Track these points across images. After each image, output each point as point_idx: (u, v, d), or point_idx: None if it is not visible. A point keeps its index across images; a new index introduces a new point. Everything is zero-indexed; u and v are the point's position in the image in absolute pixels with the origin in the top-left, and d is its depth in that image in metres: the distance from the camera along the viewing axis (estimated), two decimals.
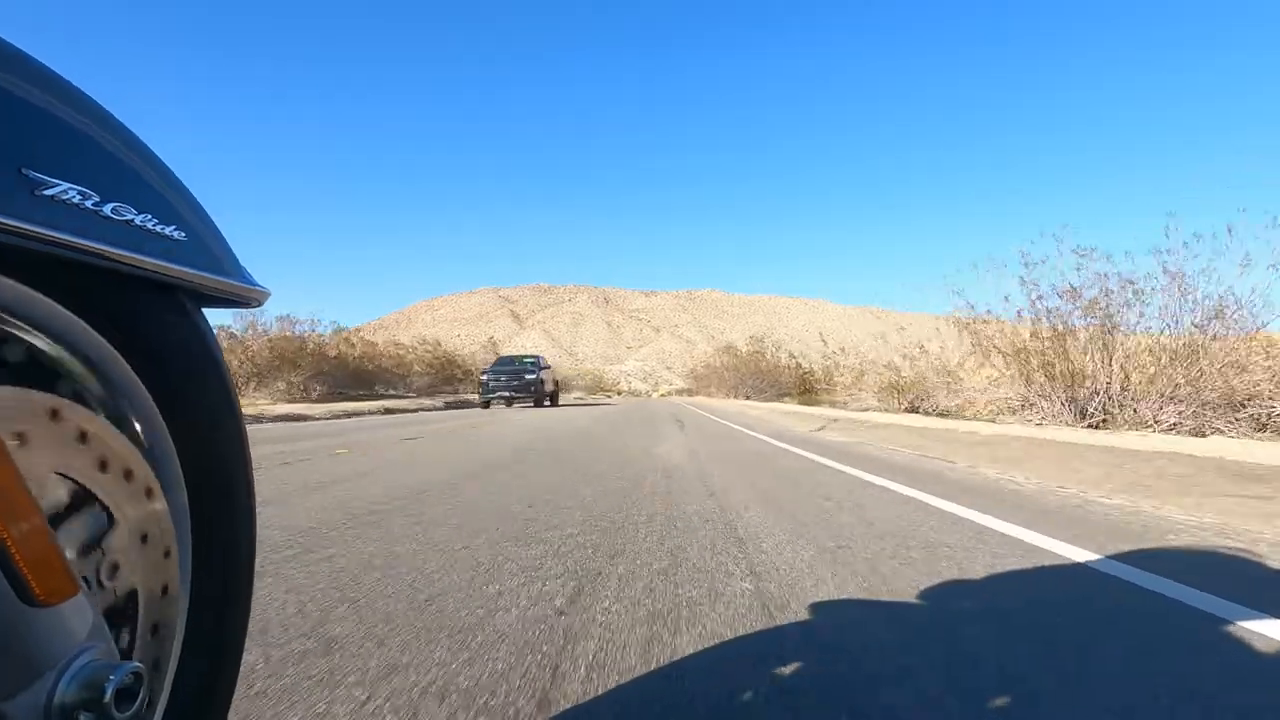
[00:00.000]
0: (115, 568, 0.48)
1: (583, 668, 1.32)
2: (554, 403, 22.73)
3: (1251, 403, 7.11)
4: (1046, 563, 2.21)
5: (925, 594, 1.84)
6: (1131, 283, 8.05)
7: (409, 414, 14.84)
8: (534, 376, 19.65)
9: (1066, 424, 8.17)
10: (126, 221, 0.47)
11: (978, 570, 2.09)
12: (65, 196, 0.43)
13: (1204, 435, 6.62)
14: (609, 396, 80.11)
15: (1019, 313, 9.35)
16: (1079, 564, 2.18)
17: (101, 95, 0.47)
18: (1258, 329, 7.21)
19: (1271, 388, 6.97)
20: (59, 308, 0.46)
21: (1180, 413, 7.27)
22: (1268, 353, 7.22)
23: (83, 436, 0.46)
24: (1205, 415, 7.21)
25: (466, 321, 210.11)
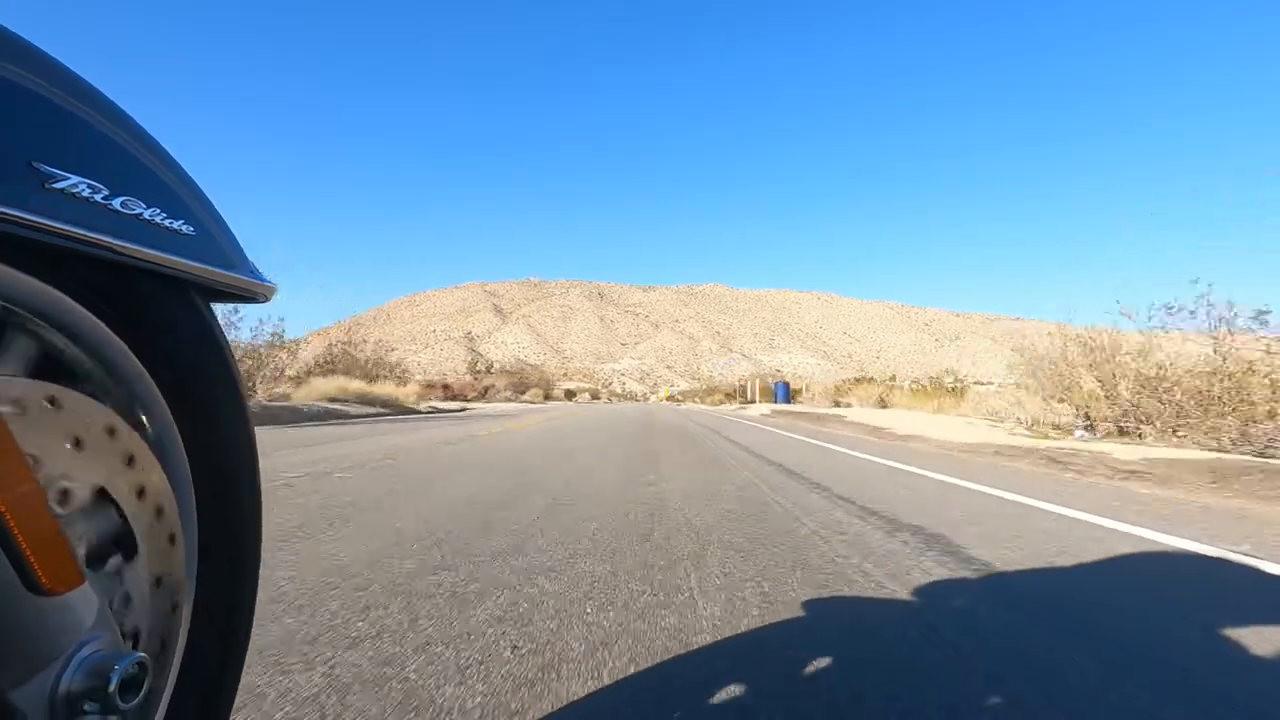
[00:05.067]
0: (121, 557, 0.52)
1: None
2: None
3: None
4: None
5: None
6: None
7: None
8: None
9: None
10: (135, 215, 0.51)
11: None
12: (75, 190, 0.47)
13: None
14: (538, 400, 53.75)
15: None
16: None
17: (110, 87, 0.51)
18: None
19: None
20: (68, 300, 0.49)
21: None
22: None
23: (89, 428, 0.50)
24: None
25: (446, 317, 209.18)
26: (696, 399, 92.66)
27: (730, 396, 65.89)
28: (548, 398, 63.72)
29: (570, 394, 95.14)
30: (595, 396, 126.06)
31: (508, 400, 50.14)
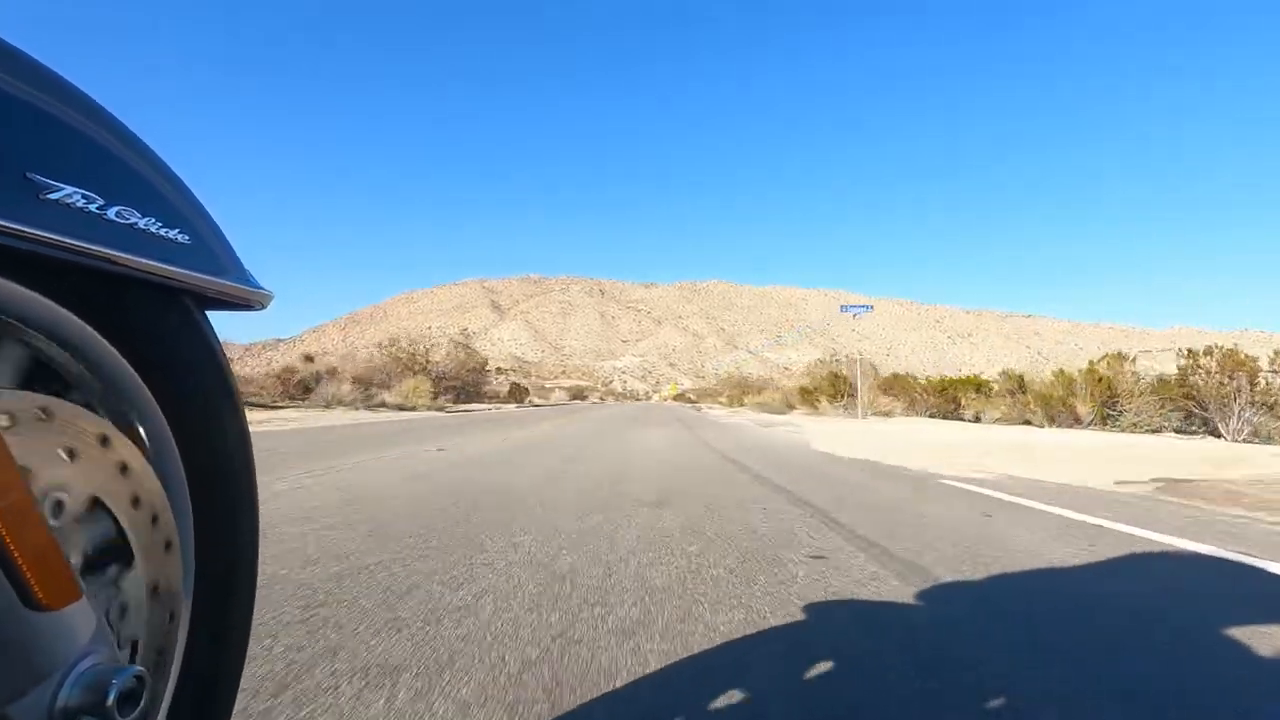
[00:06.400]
0: (117, 571, 0.53)
1: None
2: None
3: None
4: None
5: None
6: None
7: None
8: None
9: None
10: (130, 225, 0.51)
11: None
12: (70, 200, 0.48)
13: None
14: (422, 404, 25.32)
15: None
16: None
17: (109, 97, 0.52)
18: None
19: None
20: (63, 311, 0.50)
21: None
22: None
23: (86, 439, 0.50)
24: None
25: (442, 313, 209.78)
26: (722, 399, 60.56)
27: (816, 396, 30.98)
28: (465, 399, 35.41)
29: (519, 392, 50.64)
30: (579, 396, 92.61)
31: (326, 408, 21.73)
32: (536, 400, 58.21)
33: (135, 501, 0.53)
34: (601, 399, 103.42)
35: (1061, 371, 18.79)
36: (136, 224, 0.52)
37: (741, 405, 45.75)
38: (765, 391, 48.72)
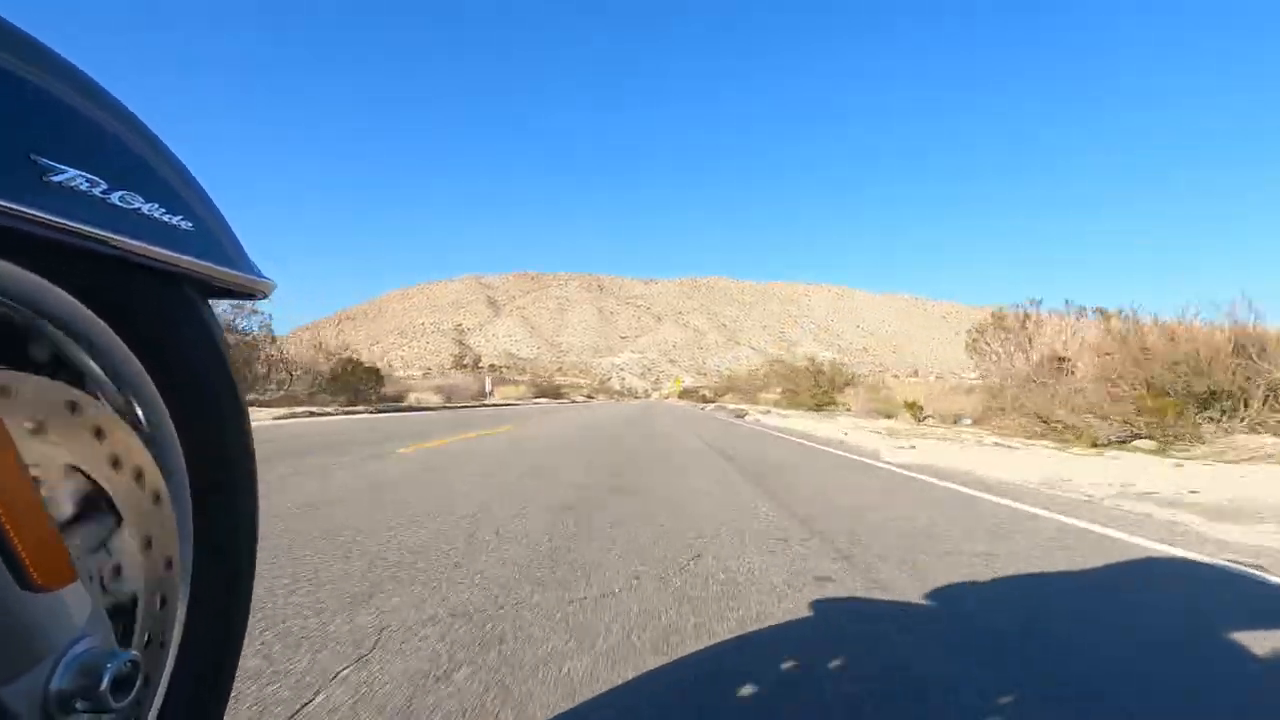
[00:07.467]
0: (115, 556, 0.54)
1: None
2: None
3: None
4: None
5: None
6: None
7: None
8: None
9: None
10: (134, 210, 0.52)
11: None
12: (73, 183, 0.48)
13: None
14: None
15: None
16: None
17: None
18: None
19: None
20: (65, 295, 0.50)
21: None
22: None
23: (86, 424, 0.51)
24: None
25: (437, 309, 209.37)
26: (770, 395, 40.68)
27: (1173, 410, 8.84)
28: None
29: (366, 378, 24.42)
30: (551, 394, 66.15)
31: None
32: (428, 399, 31.26)
33: (135, 489, 0.54)
34: (589, 397, 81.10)
35: None
36: (140, 209, 0.52)
37: (834, 407, 24.06)
38: (882, 386, 24.29)
